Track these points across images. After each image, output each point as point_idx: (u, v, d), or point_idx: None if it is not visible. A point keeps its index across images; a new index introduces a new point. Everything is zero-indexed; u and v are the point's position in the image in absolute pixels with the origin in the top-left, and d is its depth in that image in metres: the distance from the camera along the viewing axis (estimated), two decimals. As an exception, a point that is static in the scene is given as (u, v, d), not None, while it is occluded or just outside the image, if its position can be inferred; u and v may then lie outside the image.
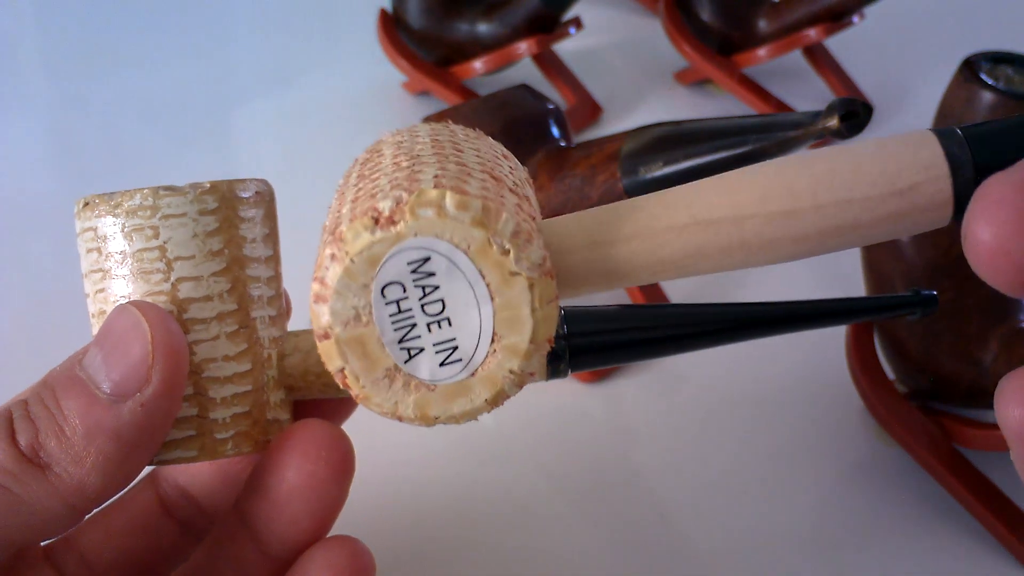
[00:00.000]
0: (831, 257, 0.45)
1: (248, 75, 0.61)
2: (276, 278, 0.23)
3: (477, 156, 0.20)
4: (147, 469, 0.25)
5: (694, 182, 0.19)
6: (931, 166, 0.16)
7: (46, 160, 0.53)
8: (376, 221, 0.18)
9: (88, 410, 0.19)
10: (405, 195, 0.18)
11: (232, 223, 0.21)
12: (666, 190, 0.19)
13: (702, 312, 0.28)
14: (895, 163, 0.17)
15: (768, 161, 0.18)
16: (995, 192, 0.15)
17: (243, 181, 0.22)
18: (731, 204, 0.18)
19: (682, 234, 0.18)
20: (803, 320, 0.29)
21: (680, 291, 0.43)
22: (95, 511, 0.25)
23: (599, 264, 0.19)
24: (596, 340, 0.26)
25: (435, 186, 0.18)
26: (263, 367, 0.22)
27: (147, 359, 0.20)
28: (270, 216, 0.23)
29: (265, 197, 0.23)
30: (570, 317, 0.25)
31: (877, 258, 0.37)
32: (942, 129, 0.17)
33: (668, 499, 0.35)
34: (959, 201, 0.17)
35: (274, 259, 0.23)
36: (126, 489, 0.25)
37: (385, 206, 0.18)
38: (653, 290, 0.43)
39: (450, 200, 0.18)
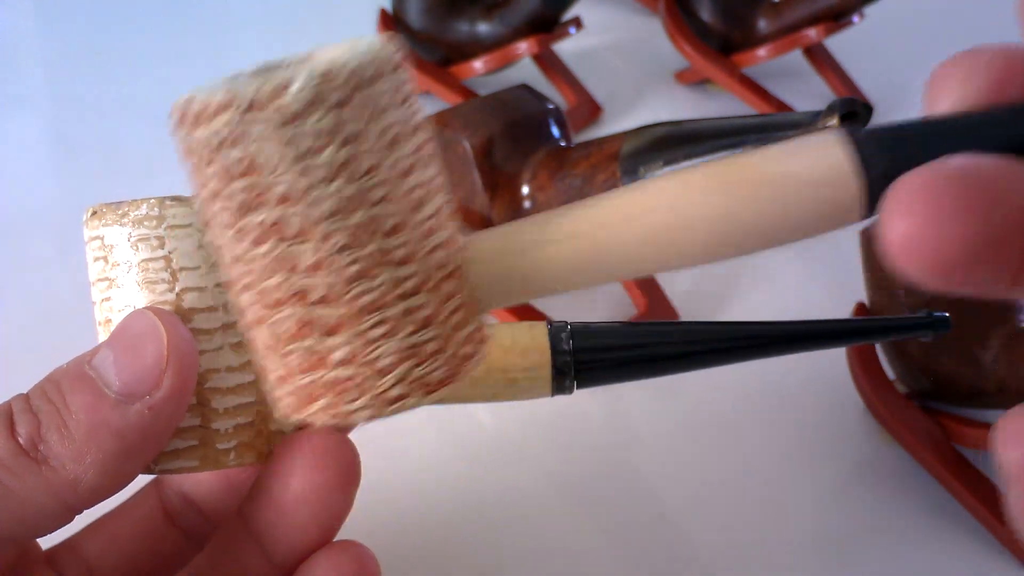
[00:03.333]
0: (832, 257, 0.45)
1: (248, 75, 0.61)
2: None
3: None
4: (148, 477, 0.25)
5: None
6: (838, 165, 0.17)
7: (46, 161, 0.53)
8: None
9: (94, 408, 0.19)
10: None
11: None
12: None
13: (712, 331, 0.28)
14: (804, 162, 0.17)
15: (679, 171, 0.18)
16: (908, 188, 0.15)
17: None
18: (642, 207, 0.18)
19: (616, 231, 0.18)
20: (814, 340, 0.29)
21: (685, 304, 0.43)
22: (97, 518, 0.25)
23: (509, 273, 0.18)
24: (602, 357, 0.26)
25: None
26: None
27: (161, 363, 0.20)
28: None
29: None
30: (576, 334, 0.25)
31: (877, 261, 0.37)
32: (854, 129, 0.17)
33: (668, 499, 0.35)
34: (872, 199, 0.17)
35: None
36: (127, 495, 0.25)
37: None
38: (661, 306, 0.43)
39: None
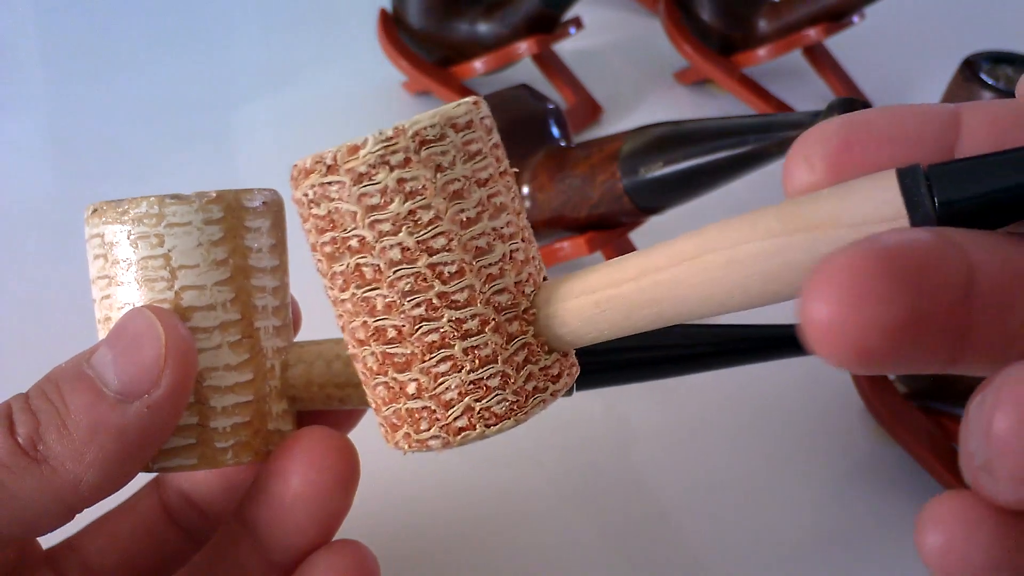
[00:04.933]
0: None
1: (248, 75, 0.61)
2: (282, 288, 0.23)
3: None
4: (148, 476, 0.25)
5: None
6: (886, 205, 0.16)
7: (46, 161, 0.53)
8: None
9: (93, 407, 0.19)
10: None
11: (237, 233, 0.21)
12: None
13: (712, 334, 0.28)
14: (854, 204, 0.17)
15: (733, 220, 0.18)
16: (829, 270, 0.14)
17: (250, 191, 0.22)
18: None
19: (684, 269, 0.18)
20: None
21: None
22: (97, 517, 0.25)
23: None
24: (602, 360, 0.26)
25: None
26: (266, 378, 0.22)
27: (159, 362, 0.20)
28: (278, 226, 0.23)
29: (273, 207, 0.23)
30: None
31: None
32: (903, 168, 0.17)
33: (668, 499, 0.35)
34: None
35: (280, 269, 0.23)
36: (126, 495, 0.25)
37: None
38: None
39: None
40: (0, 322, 0.41)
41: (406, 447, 0.20)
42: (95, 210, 0.21)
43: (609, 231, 0.40)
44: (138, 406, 0.19)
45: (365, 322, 0.19)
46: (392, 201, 0.18)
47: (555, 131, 0.41)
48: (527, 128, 0.41)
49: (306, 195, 0.19)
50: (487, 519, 0.34)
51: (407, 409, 0.19)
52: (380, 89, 0.58)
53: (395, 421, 0.20)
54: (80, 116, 0.56)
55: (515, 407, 0.19)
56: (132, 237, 0.21)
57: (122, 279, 0.21)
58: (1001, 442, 0.14)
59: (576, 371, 0.21)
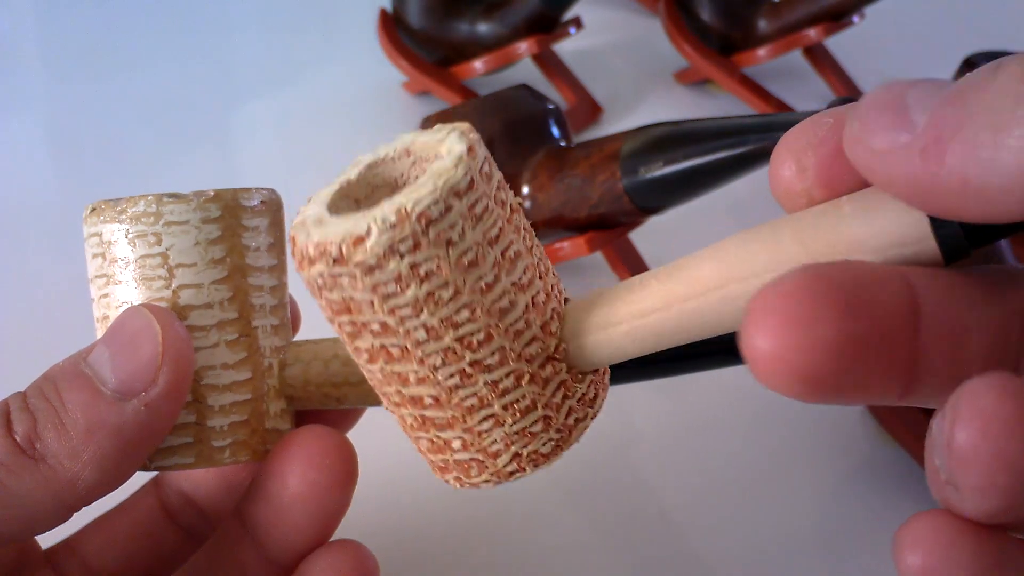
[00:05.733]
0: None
1: (248, 75, 0.61)
2: (280, 287, 0.23)
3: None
4: (147, 475, 0.25)
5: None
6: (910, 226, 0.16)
7: (46, 161, 0.53)
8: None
9: (91, 405, 0.19)
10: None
11: (235, 232, 0.21)
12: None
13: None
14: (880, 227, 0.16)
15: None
16: (767, 302, 0.14)
17: (248, 190, 0.22)
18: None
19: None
20: None
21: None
22: (96, 517, 0.25)
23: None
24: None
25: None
26: (263, 376, 0.22)
27: (156, 360, 0.20)
28: (276, 225, 0.23)
29: (271, 206, 0.23)
30: None
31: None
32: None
33: (668, 498, 0.35)
34: (948, 253, 0.16)
35: (279, 268, 0.23)
36: (125, 494, 0.25)
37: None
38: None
39: None
40: (0, 321, 0.41)
41: (458, 487, 0.20)
42: (93, 209, 0.21)
43: (609, 231, 0.40)
44: (135, 404, 0.19)
45: (399, 391, 0.19)
46: (408, 287, 0.17)
47: (555, 131, 0.41)
48: (527, 128, 0.41)
49: (315, 282, 0.18)
50: (487, 518, 0.34)
51: (455, 460, 0.19)
52: (380, 89, 0.58)
53: (442, 466, 0.20)
54: (80, 116, 0.56)
55: (560, 443, 0.20)
56: (130, 236, 0.21)
57: (120, 278, 0.21)
58: (962, 455, 0.14)
59: (608, 380, 0.21)
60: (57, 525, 0.20)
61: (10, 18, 0.65)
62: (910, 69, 0.61)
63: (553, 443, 0.19)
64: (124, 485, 0.21)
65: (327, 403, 0.23)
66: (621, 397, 0.39)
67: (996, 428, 0.13)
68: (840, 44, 0.59)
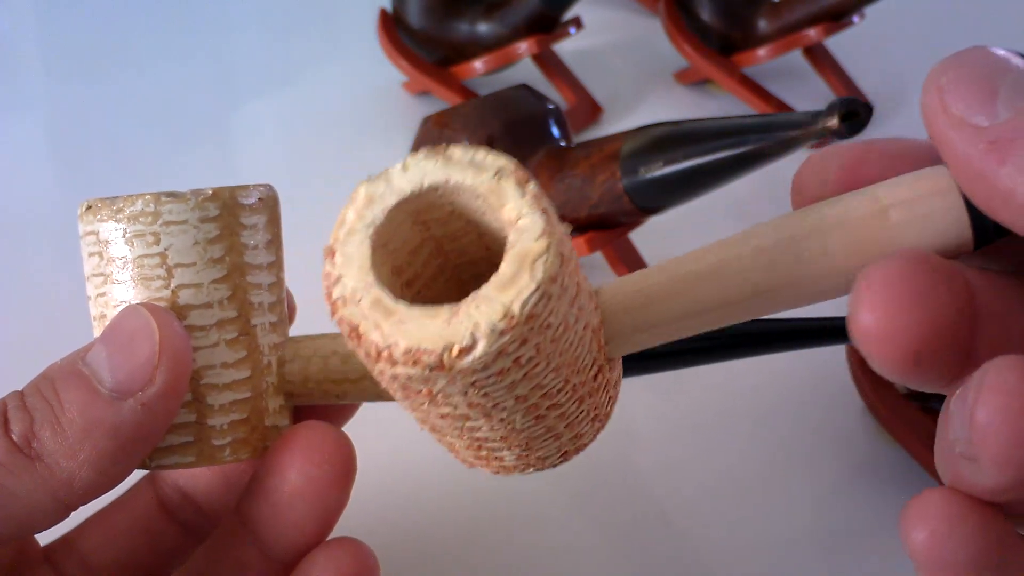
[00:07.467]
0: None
1: (248, 76, 0.61)
2: (278, 284, 0.23)
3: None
4: (144, 472, 0.25)
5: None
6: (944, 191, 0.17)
7: (46, 161, 0.53)
8: None
9: (88, 404, 0.19)
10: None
11: (233, 230, 0.21)
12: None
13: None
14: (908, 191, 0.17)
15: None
16: (877, 279, 0.15)
17: (246, 188, 0.22)
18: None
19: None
20: (814, 337, 0.29)
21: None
22: (93, 514, 0.25)
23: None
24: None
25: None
26: (263, 374, 0.22)
27: (153, 359, 0.20)
28: (273, 221, 0.23)
29: (268, 203, 0.22)
30: None
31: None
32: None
33: (668, 498, 0.35)
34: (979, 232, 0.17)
35: (276, 264, 0.23)
36: (122, 492, 0.25)
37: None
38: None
39: None
40: (-1, 321, 0.41)
41: (491, 474, 0.21)
42: (89, 207, 0.21)
43: (609, 231, 0.40)
44: (132, 403, 0.19)
45: (458, 432, 0.19)
46: (508, 374, 0.16)
47: (555, 131, 0.41)
48: (527, 128, 0.41)
49: (396, 379, 0.17)
50: (487, 516, 0.34)
51: (501, 465, 0.20)
52: (380, 89, 0.58)
53: (478, 464, 0.20)
54: (80, 116, 0.56)
55: (601, 427, 0.21)
56: (128, 235, 0.21)
57: (118, 277, 0.21)
58: (985, 427, 0.14)
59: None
60: (54, 524, 0.20)
61: (10, 18, 0.65)
62: (910, 69, 0.61)
63: (595, 429, 0.20)
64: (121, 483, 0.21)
65: (327, 399, 0.23)
66: (622, 397, 0.39)
67: (1019, 403, 0.14)
68: (840, 44, 0.59)
